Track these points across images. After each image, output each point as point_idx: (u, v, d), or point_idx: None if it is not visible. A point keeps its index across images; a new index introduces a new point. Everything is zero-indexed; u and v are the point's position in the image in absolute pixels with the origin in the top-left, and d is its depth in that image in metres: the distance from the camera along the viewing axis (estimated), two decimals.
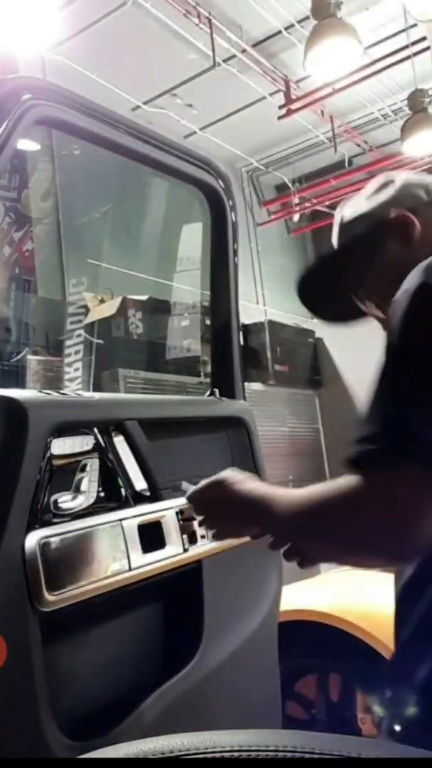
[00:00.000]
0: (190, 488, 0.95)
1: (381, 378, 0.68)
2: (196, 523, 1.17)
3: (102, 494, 1.09)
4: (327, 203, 6.15)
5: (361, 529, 0.66)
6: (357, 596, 1.79)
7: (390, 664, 0.78)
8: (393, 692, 0.75)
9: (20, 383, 3.47)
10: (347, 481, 0.66)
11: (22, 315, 3.83)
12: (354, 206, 0.97)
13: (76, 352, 3.83)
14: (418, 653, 0.72)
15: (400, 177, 0.94)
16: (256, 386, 4.88)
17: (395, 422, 0.65)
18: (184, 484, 1.02)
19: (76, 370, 3.81)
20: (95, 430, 1.11)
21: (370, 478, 0.65)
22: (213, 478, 0.90)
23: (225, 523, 0.90)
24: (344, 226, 0.97)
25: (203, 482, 0.91)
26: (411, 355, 0.67)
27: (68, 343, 3.85)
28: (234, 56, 4.47)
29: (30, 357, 3.60)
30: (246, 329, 4.98)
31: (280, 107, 4.92)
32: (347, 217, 0.97)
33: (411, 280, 0.72)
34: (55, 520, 0.98)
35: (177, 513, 1.16)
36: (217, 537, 0.96)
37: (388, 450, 0.64)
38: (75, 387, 3.70)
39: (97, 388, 3.79)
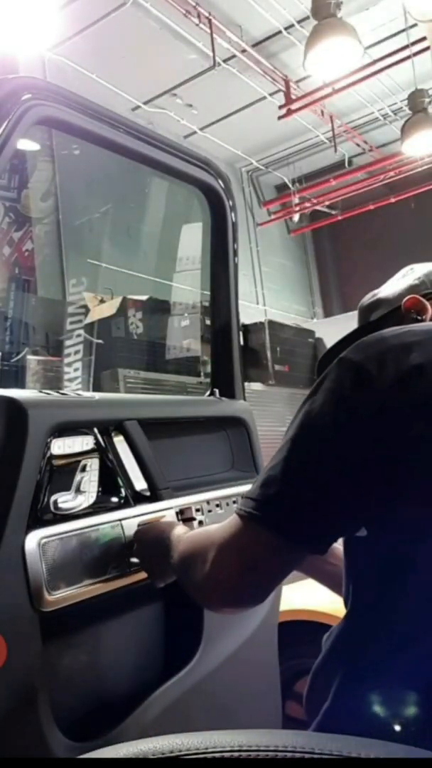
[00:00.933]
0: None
1: (286, 440, 0.72)
2: (196, 523, 1.17)
3: (102, 494, 1.09)
4: (327, 203, 6.15)
5: (214, 566, 0.73)
6: None
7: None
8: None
9: (20, 383, 3.47)
10: (221, 524, 0.75)
11: (21, 315, 3.83)
12: (375, 292, 1.01)
13: (76, 352, 3.84)
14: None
15: (423, 266, 0.98)
16: (256, 386, 4.89)
17: (271, 496, 0.69)
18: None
19: (76, 370, 3.81)
20: (95, 430, 1.11)
21: (244, 523, 0.71)
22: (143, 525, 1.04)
23: (155, 569, 1.02)
24: (363, 309, 1.01)
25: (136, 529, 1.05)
26: (296, 424, 0.71)
27: (68, 343, 3.86)
28: (234, 56, 4.47)
29: (30, 357, 3.60)
30: (246, 329, 4.98)
31: (280, 107, 4.92)
32: (366, 302, 1.01)
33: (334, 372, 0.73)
34: (55, 520, 0.98)
35: (177, 513, 1.16)
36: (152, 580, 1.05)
37: (261, 517, 0.69)
38: (75, 387, 3.70)
39: (96, 388, 3.79)
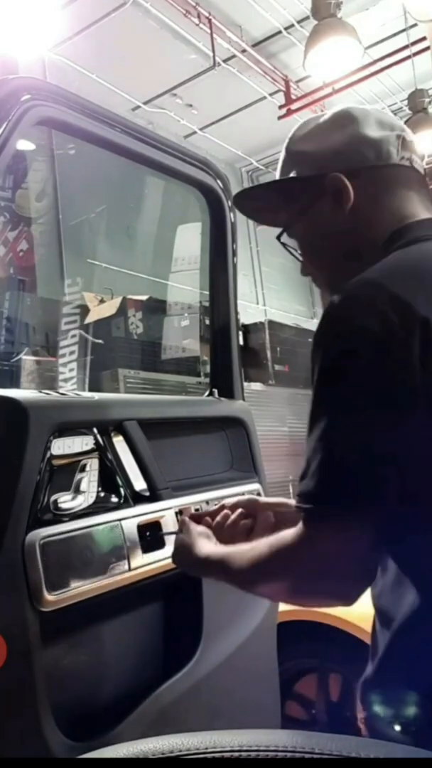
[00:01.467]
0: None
1: (311, 424, 0.68)
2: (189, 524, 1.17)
3: (102, 494, 1.09)
4: None
5: (297, 583, 0.71)
6: None
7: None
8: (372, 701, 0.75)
9: (14, 383, 3.47)
10: (285, 538, 0.70)
11: (15, 315, 3.83)
12: (302, 135, 0.86)
13: (71, 353, 3.83)
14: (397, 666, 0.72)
15: (362, 117, 0.82)
16: (256, 386, 4.88)
17: (326, 477, 0.66)
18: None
19: (71, 370, 3.80)
20: (95, 430, 1.11)
21: (304, 534, 0.67)
22: (175, 545, 0.96)
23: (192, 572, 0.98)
24: (287, 157, 0.87)
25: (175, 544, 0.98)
26: (335, 408, 0.67)
27: (63, 343, 3.85)
28: (234, 56, 4.47)
29: (24, 357, 3.59)
30: (246, 329, 4.98)
31: (280, 107, 4.92)
32: (291, 146, 0.86)
33: (343, 311, 0.69)
34: (55, 520, 0.98)
35: (176, 513, 1.16)
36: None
37: (323, 506, 0.66)
38: (69, 387, 3.69)
39: (93, 388, 3.79)
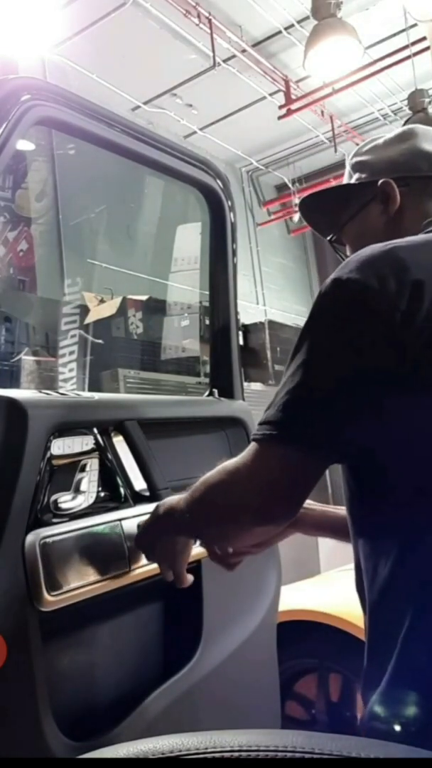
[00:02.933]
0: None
1: (289, 360, 0.74)
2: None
3: (102, 494, 1.09)
4: None
5: (237, 495, 0.76)
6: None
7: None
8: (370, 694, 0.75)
9: (14, 383, 3.47)
10: (246, 453, 0.76)
11: (15, 315, 3.83)
12: (366, 149, 0.95)
13: (71, 353, 3.83)
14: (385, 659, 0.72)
15: (423, 133, 0.91)
16: (255, 386, 4.88)
17: (291, 411, 0.71)
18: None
19: (71, 370, 3.80)
20: (95, 430, 1.11)
21: (257, 449, 0.73)
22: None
23: (156, 545, 1.00)
24: (351, 167, 0.97)
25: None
26: (301, 349, 0.73)
27: (63, 343, 3.85)
28: (234, 56, 4.47)
29: (24, 357, 3.59)
30: (246, 329, 4.98)
31: (280, 107, 4.92)
32: (355, 157, 0.96)
33: (338, 269, 0.74)
34: (54, 520, 0.98)
35: None
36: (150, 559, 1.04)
37: (284, 435, 0.71)
38: (69, 387, 3.70)
39: (92, 388, 3.79)
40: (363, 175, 0.92)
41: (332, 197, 0.99)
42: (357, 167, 0.94)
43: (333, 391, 0.69)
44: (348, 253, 0.96)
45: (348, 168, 0.97)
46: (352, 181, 0.94)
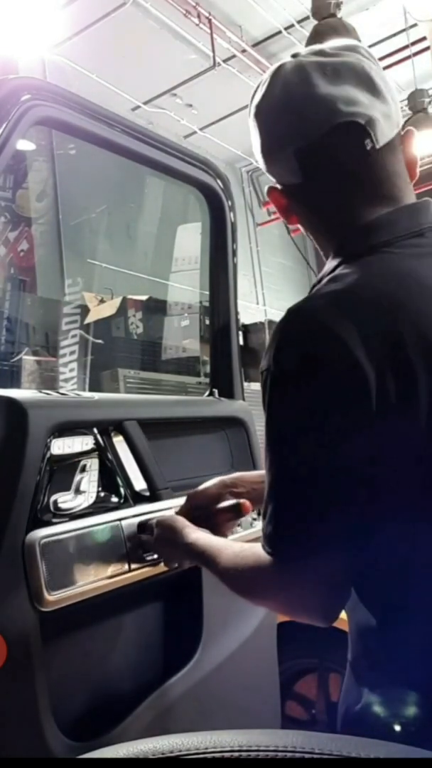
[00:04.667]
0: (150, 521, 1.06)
1: (265, 458, 0.68)
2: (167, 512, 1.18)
3: (102, 494, 1.09)
4: None
5: (277, 603, 0.75)
6: None
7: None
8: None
9: (15, 383, 3.48)
10: (258, 561, 0.71)
11: (16, 315, 3.83)
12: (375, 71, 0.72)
13: (71, 353, 3.83)
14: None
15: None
16: (256, 386, 4.88)
17: (284, 515, 0.67)
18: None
19: (72, 370, 3.80)
20: (95, 430, 1.11)
21: (274, 566, 0.68)
22: (163, 519, 1.00)
23: (173, 559, 1.01)
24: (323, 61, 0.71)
25: (155, 520, 1.02)
26: (286, 449, 0.67)
27: (64, 343, 3.85)
28: (234, 56, 4.47)
29: (25, 357, 3.60)
30: (246, 329, 4.98)
31: None
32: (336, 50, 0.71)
33: (272, 347, 0.67)
34: (55, 520, 0.98)
35: (176, 513, 1.16)
36: (166, 564, 1.06)
37: (285, 542, 0.67)
38: (70, 387, 3.70)
39: (93, 388, 3.79)
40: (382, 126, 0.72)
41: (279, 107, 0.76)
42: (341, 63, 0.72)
43: (313, 487, 0.64)
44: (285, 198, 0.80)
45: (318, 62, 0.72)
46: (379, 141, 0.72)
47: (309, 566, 0.66)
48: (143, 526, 1.07)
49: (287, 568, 0.68)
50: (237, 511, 0.98)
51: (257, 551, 0.72)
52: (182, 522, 0.96)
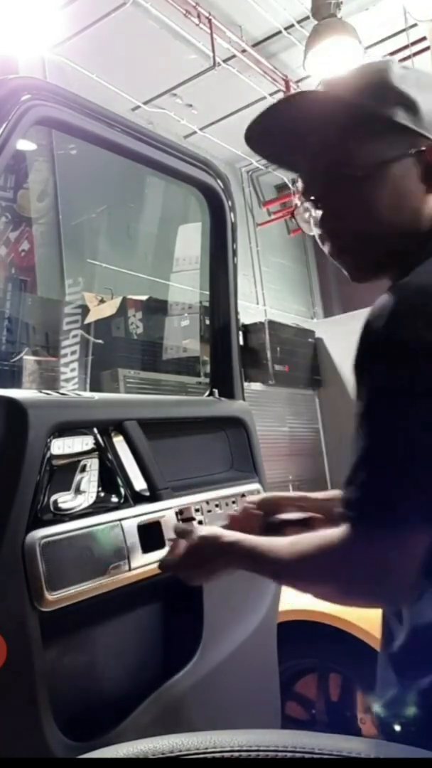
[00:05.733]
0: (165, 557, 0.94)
1: (361, 426, 0.66)
2: (195, 523, 1.17)
3: (102, 494, 1.09)
4: None
5: (346, 580, 0.68)
6: None
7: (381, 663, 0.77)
8: (386, 690, 0.75)
9: (16, 383, 3.48)
10: (334, 534, 0.68)
11: (17, 315, 3.83)
12: (424, 83, 0.71)
13: (72, 353, 3.83)
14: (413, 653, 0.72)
15: None
16: (256, 386, 4.88)
17: (378, 482, 0.65)
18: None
19: (73, 370, 3.80)
20: (95, 430, 1.11)
21: (356, 533, 0.66)
22: (195, 538, 0.88)
23: (212, 575, 0.89)
24: (382, 87, 0.69)
25: (183, 546, 0.89)
26: (385, 415, 0.65)
27: (65, 343, 3.85)
28: (234, 56, 4.47)
29: (26, 357, 3.59)
30: (246, 329, 4.98)
31: None
32: (396, 83, 0.69)
33: (381, 307, 0.65)
34: (55, 520, 0.98)
35: (176, 513, 1.16)
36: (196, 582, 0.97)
37: (374, 508, 0.65)
38: (71, 387, 3.70)
39: (94, 388, 3.79)
40: (410, 119, 0.69)
41: (351, 119, 0.71)
42: (405, 102, 0.69)
43: (412, 462, 0.63)
44: (331, 223, 0.75)
45: (375, 79, 0.70)
46: (398, 118, 0.68)
47: (396, 535, 0.63)
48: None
49: (371, 536, 0.65)
50: (307, 525, 0.93)
51: (322, 533, 0.70)
52: (215, 529, 0.89)
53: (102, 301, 4.07)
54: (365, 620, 1.58)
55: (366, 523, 0.65)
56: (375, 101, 0.70)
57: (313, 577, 0.73)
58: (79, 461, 1.07)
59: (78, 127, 1.16)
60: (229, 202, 1.47)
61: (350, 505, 0.66)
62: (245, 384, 1.57)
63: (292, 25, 4.34)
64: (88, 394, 1.24)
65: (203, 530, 0.90)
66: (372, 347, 0.66)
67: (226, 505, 1.27)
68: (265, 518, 0.97)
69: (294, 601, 1.76)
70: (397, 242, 0.74)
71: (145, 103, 4.83)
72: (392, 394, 0.64)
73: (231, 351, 1.50)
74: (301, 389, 5.35)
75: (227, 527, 0.95)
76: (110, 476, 1.11)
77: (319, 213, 0.76)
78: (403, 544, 0.64)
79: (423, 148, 0.71)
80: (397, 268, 0.74)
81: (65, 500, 1.02)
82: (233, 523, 0.97)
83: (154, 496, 1.14)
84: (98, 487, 1.08)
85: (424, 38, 4.16)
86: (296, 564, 0.73)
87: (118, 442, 1.14)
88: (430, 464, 0.63)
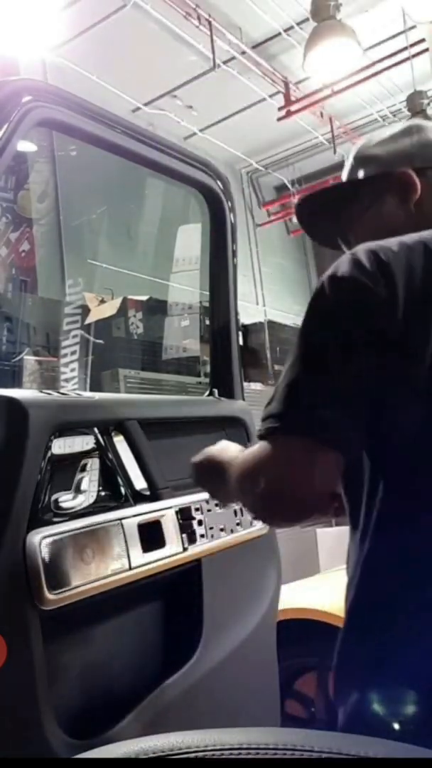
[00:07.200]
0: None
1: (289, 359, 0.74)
2: (195, 523, 1.17)
3: (102, 494, 1.09)
4: None
5: (259, 492, 0.74)
6: None
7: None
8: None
9: (16, 383, 3.48)
10: (253, 449, 0.75)
11: (18, 315, 3.84)
12: (371, 144, 0.93)
13: (73, 353, 3.83)
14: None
15: (429, 127, 0.90)
16: (256, 386, 4.89)
17: (291, 400, 0.71)
18: None
19: (73, 370, 3.80)
20: (95, 429, 1.11)
21: (266, 449, 0.72)
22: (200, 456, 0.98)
23: (207, 486, 0.98)
24: (355, 163, 0.93)
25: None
26: (304, 342, 0.73)
27: (65, 343, 3.85)
28: (234, 58, 4.48)
29: (26, 357, 3.60)
30: (246, 329, 4.98)
31: (280, 109, 4.93)
32: (360, 153, 0.93)
33: (332, 266, 0.74)
34: (55, 520, 0.99)
35: (176, 512, 1.16)
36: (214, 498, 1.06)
37: (286, 425, 0.70)
38: (71, 387, 3.70)
39: (94, 388, 3.79)
40: (373, 168, 0.90)
41: (339, 195, 0.95)
42: (363, 162, 0.91)
43: (329, 381, 0.70)
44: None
45: (351, 164, 0.94)
46: (360, 176, 0.91)
47: (303, 449, 0.69)
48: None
49: (279, 449, 0.70)
50: None
51: (245, 454, 0.78)
52: (212, 448, 0.96)
53: (102, 302, 4.08)
54: None
55: (278, 428, 0.70)
56: (355, 179, 0.92)
57: (240, 493, 0.81)
58: (80, 461, 1.08)
59: (79, 128, 1.16)
60: (229, 203, 1.47)
61: (271, 417, 0.72)
62: (245, 384, 1.58)
63: (291, 27, 4.35)
64: (88, 394, 1.24)
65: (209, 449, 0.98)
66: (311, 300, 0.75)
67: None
68: None
69: (294, 599, 1.77)
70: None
71: (146, 104, 4.84)
72: (316, 324, 0.73)
73: (231, 351, 1.50)
74: None
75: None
76: (110, 476, 1.11)
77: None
78: (305, 460, 0.69)
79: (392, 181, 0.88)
80: None
81: (66, 499, 1.02)
82: None
83: (154, 495, 1.15)
84: (99, 486, 1.09)
85: (423, 40, 4.17)
86: (231, 482, 0.81)
87: (119, 441, 1.15)
88: (342, 384, 0.69)
